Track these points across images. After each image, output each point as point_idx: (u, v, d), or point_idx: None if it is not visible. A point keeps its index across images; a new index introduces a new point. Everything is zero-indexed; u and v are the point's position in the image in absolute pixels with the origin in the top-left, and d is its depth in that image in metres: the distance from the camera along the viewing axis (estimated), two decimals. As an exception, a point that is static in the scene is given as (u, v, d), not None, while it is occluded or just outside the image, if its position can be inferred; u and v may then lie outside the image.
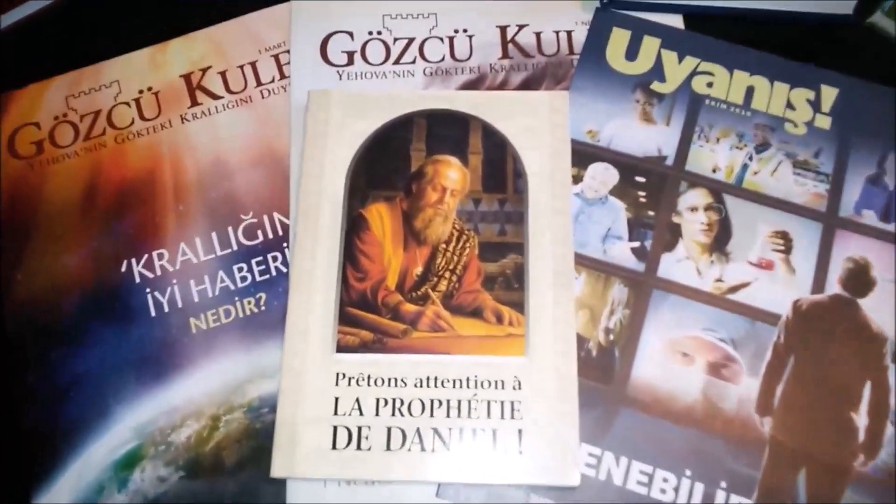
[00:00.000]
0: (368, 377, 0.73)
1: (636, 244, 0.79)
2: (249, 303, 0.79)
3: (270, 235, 0.82)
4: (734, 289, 0.77)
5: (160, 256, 0.81)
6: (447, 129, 0.82)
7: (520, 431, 0.71)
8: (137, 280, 0.80)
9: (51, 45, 0.93)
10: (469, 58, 0.87)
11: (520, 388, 0.72)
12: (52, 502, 0.74)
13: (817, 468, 0.71)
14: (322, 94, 0.83)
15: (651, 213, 0.80)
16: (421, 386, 0.72)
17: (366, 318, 0.75)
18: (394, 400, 0.72)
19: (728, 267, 0.77)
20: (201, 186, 0.84)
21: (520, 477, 0.70)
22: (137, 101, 0.88)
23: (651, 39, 0.86)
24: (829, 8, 0.87)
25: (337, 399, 0.72)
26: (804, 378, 0.73)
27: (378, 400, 0.72)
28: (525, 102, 0.82)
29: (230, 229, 0.82)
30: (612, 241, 0.79)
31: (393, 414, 0.72)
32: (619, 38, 0.86)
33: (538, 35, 0.88)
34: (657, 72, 0.85)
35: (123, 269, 0.81)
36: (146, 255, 0.81)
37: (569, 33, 0.88)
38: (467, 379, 0.72)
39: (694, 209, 0.80)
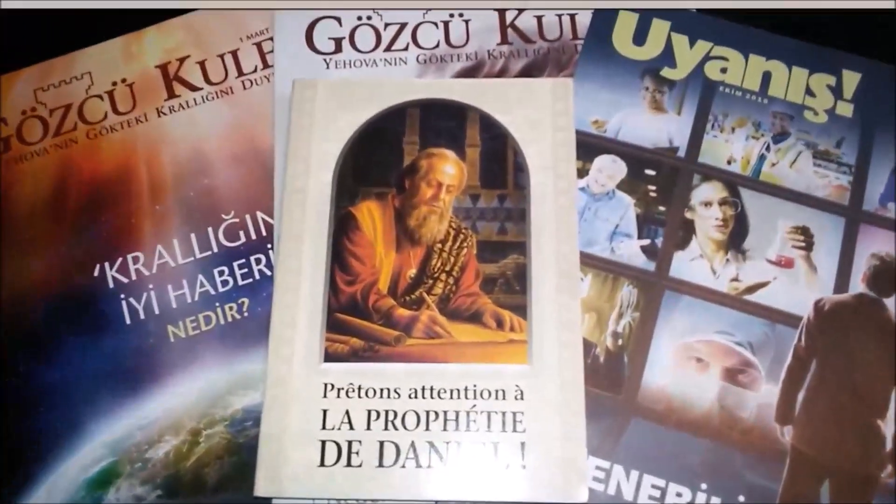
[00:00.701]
0: (359, 388, 0.69)
1: (646, 242, 0.75)
2: (231, 309, 0.76)
3: (253, 236, 0.78)
4: (752, 289, 0.73)
5: (135, 260, 0.77)
6: (442, 121, 0.77)
7: (522, 445, 0.67)
8: (111, 285, 0.77)
9: (17, 35, 0.88)
10: (465, 44, 0.83)
11: (522, 399, 0.68)
12: (21, 525, 0.71)
13: (842, 480, 0.68)
14: (308, 84, 0.79)
15: (662, 208, 0.76)
16: (415, 397, 0.69)
17: (356, 324, 0.71)
18: (386, 412, 0.68)
19: (745, 265, 0.74)
20: (179, 184, 0.80)
21: (523, 493, 0.66)
22: (111, 93, 0.84)
23: (660, 23, 0.82)
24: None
25: (325, 412, 0.68)
26: (827, 384, 0.70)
27: (369, 412, 0.68)
28: (526, 91, 0.78)
29: (210, 230, 0.78)
30: (620, 238, 0.75)
31: (385, 427, 0.68)
32: (625, 22, 0.82)
33: (539, 19, 0.84)
34: (667, 57, 0.81)
35: (96, 273, 0.77)
36: (120, 259, 0.77)
37: (572, 17, 0.84)
38: (466, 389, 0.69)
39: (708, 204, 0.76)
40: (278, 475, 0.66)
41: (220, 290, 0.76)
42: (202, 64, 0.84)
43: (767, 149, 0.78)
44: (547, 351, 0.70)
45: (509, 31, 0.84)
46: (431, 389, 0.69)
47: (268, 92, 0.82)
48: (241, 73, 0.84)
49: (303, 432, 0.68)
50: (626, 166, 0.77)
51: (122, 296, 0.76)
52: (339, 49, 0.84)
